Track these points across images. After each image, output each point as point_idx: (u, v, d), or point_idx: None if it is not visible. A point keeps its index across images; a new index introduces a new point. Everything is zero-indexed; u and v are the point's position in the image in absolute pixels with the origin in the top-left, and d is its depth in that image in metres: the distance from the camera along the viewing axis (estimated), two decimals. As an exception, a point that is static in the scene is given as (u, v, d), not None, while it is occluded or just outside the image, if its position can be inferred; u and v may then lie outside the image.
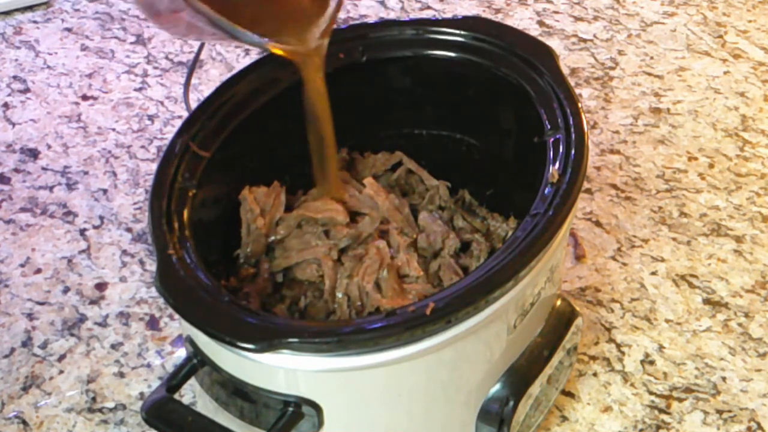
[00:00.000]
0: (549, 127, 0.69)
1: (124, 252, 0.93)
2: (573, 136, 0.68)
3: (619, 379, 0.83)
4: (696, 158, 1.03)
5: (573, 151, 0.67)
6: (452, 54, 0.77)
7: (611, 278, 0.91)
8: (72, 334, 0.86)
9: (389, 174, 0.82)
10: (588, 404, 0.81)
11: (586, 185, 0.96)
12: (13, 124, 1.08)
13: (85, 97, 1.11)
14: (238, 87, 0.74)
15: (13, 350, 0.85)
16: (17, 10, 1.23)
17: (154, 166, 0.77)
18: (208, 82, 1.12)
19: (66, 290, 0.90)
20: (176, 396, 0.62)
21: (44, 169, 1.02)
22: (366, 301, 0.69)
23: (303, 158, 0.81)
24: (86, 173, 1.02)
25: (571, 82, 0.95)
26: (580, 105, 0.70)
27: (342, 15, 1.22)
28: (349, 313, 0.70)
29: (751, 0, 1.25)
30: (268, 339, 0.56)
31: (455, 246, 0.75)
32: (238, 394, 0.61)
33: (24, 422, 0.80)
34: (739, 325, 0.87)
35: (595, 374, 0.83)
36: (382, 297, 0.69)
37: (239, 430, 0.62)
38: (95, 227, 0.96)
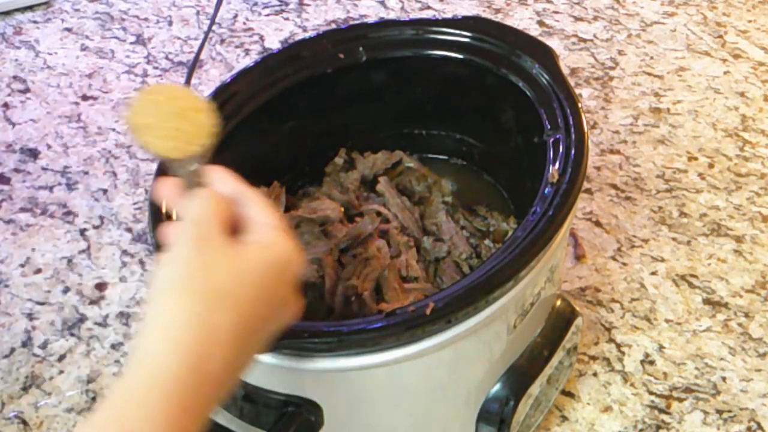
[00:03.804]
0: (549, 127, 0.69)
1: (124, 252, 0.93)
2: (573, 136, 0.68)
3: (619, 379, 0.83)
4: (696, 158, 1.03)
5: (573, 151, 0.67)
6: (452, 54, 0.77)
7: (611, 278, 0.91)
8: (72, 334, 0.86)
9: (390, 173, 0.82)
10: (588, 404, 0.81)
11: (586, 185, 0.96)
12: (13, 124, 1.08)
13: (85, 97, 1.11)
14: (238, 87, 0.74)
15: (13, 350, 0.85)
16: (17, 10, 1.23)
17: (154, 166, 0.77)
18: (208, 82, 1.12)
19: (66, 290, 0.90)
20: (176, 396, 0.62)
21: (44, 169, 1.02)
22: (364, 305, 0.69)
23: (303, 158, 0.81)
24: (86, 173, 1.02)
25: (571, 82, 0.95)
26: (580, 105, 0.70)
27: (342, 15, 1.22)
28: (349, 313, 0.70)
29: (751, 0, 1.25)
30: (268, 339, 0.56)
31: (466, 253, 0.75)
32: (238, 394, 0.61)
33: (24, 422, 0.80)
34: (739, 325, 0.87)
35: (595, 374, 0.83)
36: (382, 300, 0.69)
37: (239, 430, 0.62)
38: (95, 227, 0.96)
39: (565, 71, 0.85)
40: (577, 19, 1.22)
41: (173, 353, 0.43)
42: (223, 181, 0.50)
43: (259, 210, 0.49)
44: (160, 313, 0.44)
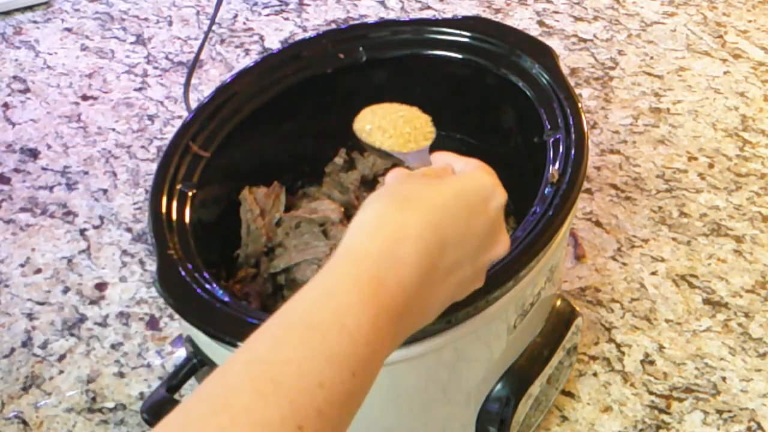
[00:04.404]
0: (549, 127, 0.69)
1: (124, 252, 0.93)
2: (573, 136, 0.68)
3: (619, 379, 0.83)
4: (696, 158, 1.03)
5: (573, 151, 0.67)
6: (452, 54, 0.77)
7: (611, 278, 0.91)
8: (72, 334, 0.86)
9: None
10: (588, 404, 0.81)
11: (586, 185, 0.96)
12: (13, 124, 1.08)
13: (85, 97, 1.11)
14: (238, 87, 0.74)
15: (13, 350, 0.85)
16: (17, 10, 1.23)
17: (154, 166, 0.77)
18: (208, 82, 1.12)
19: (66, 290, 0.90)
20: (176, 396, 0.62)
21: (44, 169, 1.02)
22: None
23: (303, 158, 0.81)
24: (86, 173, 1.02)
25: (571, 82, 0.95)
26: (580, 105, 0.70)
27: (342, 15, 1.22)
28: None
29: (751, 0, 1.25)
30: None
31: None
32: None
33: (24, 422, 0.80)
34: (739, 325, 0.87)
35: (595, 374, 0.83)
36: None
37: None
38: (95, 227, 0.96)
39: (565, 71, 0.85)
40: (577, 19, 1.22)
41: (366, 237, 0.47)
42: (438, 155, 0.58)
43: (467, 160, 0.55)
44: (359, 218, 0.49)
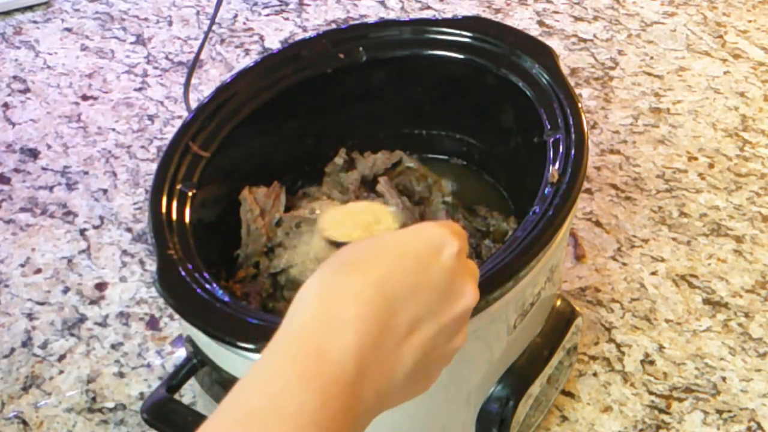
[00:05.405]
0: (549, 127, 0.70)
1: (124, 252, 0.93)
2: (573, 136, 0.68)
3: (619, 379, 0.83)
4: (696, 158, 1.03)
5: (573, 151, 0.67)
6: (452, 54, 0.77)
7: (611, 278, 0.91)
8: (72, 334, 0.86)
9: (390, 173, 0.82)
10: (588, 404, 0.81)
11: (586, 185, 0.96)
12: (13, 124, 1.08)
13: (85, 97, 1.11)
14: (238, 87, 0.74)
15: (13, 350, 0.85)
16: (17, 10, 1.23)
17: (154, 166, 0.77)
18: (208, 82, 1.12)
19: (66, 290, 0.90)
20: (176, 396, 0.62)
21: (44, 169, 1.02)
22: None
23: (303, 158, 0.81)
24: (86, 173, 1.02)
25: (571, 82, 0.95)
26: (580, 105, 0.70)
27: (342, 15, 1.22)
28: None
29: (751, 0, 1.25)
30: (267, 339, 0.56)
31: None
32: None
33: (24, 422, 0.80)
34: (739, 325, 0.87)
35: (595, 374, 0.83)
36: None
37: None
38: (95, 227, 0.96)
39: (565, 71, 0.85)
40: (577, 19, 1.22)
41: (305, 308, 0.45)
42: None
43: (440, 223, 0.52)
44: (301, 290, 0.46)
